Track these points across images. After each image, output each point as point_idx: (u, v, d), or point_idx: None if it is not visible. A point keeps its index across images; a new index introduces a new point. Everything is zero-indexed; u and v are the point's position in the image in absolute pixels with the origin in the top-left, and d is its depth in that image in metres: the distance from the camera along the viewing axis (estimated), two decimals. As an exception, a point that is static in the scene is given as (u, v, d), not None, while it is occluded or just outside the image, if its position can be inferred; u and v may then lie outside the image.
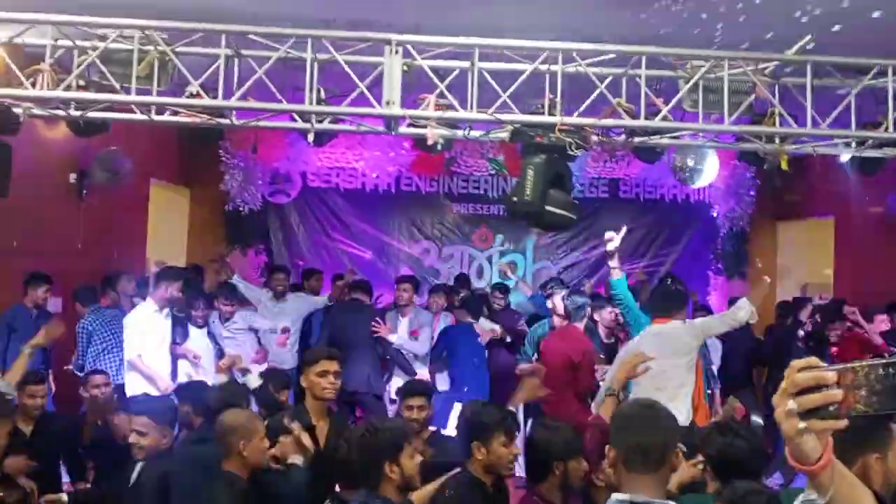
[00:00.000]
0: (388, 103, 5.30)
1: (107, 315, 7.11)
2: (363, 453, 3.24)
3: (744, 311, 5.28)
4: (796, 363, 1.34)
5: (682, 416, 5.30)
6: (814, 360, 1.34)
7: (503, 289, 9.02)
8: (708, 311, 7.95)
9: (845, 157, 6.26)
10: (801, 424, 1.30)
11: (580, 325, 6.47)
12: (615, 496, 2.42)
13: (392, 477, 3.15)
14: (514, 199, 5.46)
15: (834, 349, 7.39)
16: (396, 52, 5.25)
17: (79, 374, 6.74)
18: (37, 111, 5.56)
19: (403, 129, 5.76)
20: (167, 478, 3.89)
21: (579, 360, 6.06)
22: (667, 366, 5.38)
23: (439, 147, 5.80)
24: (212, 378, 6.49)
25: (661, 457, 2.45)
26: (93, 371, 6.15)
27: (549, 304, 7.06)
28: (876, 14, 5.47)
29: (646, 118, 5.46)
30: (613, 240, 5.69)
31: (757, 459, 3.28)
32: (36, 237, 7.53)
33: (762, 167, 6.20)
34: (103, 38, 5.24)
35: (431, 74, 5.37)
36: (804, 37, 5.36)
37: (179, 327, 7.08)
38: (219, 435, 3.74)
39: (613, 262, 5.76)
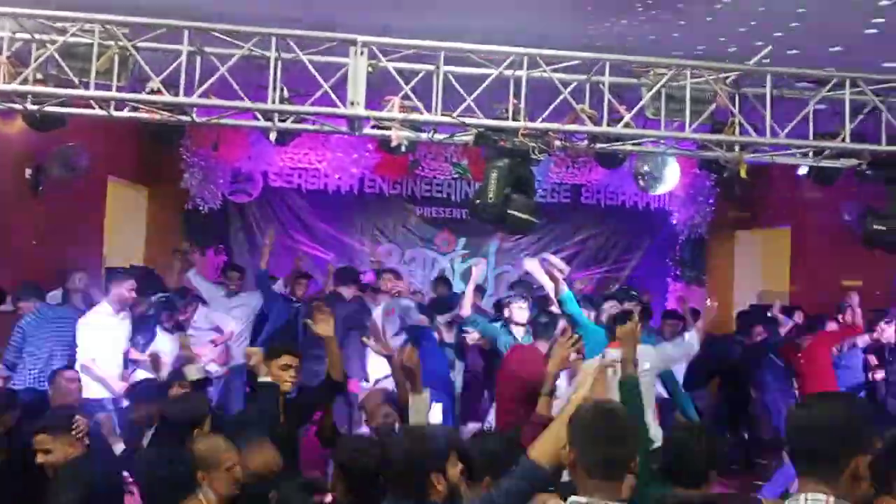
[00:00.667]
0: (352, 104, 5.28)
1: (49, 314, 6.82)
2: (409, 464, 2.95)
3: (696, 344, 5.92)
4: None
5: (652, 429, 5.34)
6: None
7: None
8: (676, 317, 7.99)
9: (803, 168, 6.38)
10: None
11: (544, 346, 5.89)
12: (572, 498, 2.43)
13: (439, 489, 2.91)
14: (478, 201, 5.47)
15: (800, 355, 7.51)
16: (362, 52, 5.23)
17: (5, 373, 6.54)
18: (-8, 104, 5.44)
19: (367, 130, 5.74)
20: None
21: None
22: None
23: (403, 149, 5.79)
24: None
25: (624, 466, 2.50)
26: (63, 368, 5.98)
27: (505, 312, 6.86)
28: (834, 27, 5.58)
29: (608, 124, 5.50)
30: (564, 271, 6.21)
31: (704, 463, 3.31)
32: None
33: (722, 175, 6.29)
34: (62, 31, 5.14)
35: (396, 76, 5.36)
36: (764, 48, 5.44)
37: (145, 329, 6.97)
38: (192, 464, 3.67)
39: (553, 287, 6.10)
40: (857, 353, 7.90)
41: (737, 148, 5.77)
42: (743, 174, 5.76)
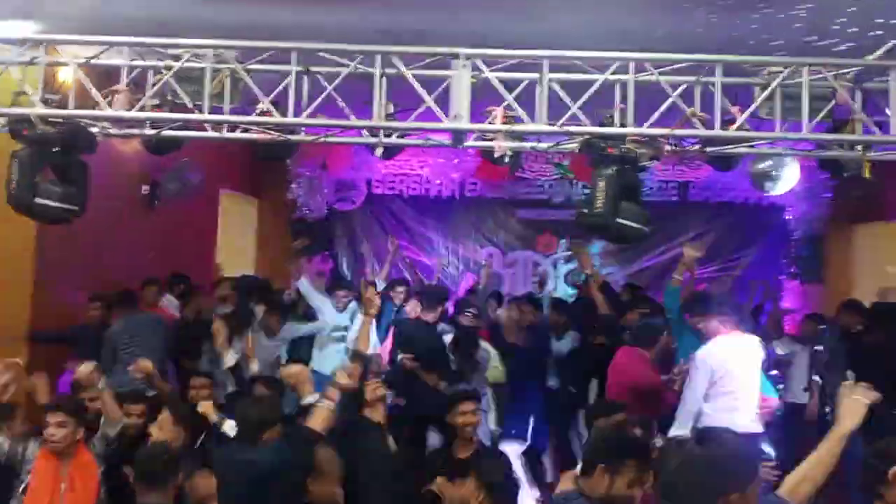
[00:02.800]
0: (455, 117, 5.26)
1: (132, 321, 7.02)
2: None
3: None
4: None
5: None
6: None
7: (534, 302, 8.27)
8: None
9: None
10: None
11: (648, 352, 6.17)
12: None
13: None
14: (585, 211, 5.35)
15: None
16: (465, 65, 5.20)
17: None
18: (112, 130, 5.67)
19: (470, 142, 5.72)
20: None
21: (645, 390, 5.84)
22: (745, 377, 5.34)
23: (506, 159, 5.74)
24: None
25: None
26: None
27: None
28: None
29: (721, 127, 5.30)
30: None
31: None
32: (109, 248, 7.71)
33: (842, 175, 5.97)
34: (177, 57, 5.32)
35: (499, 86, 5.31)
36: (887, 41, 5.15)
37: None
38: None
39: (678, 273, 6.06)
40: None
41: (858, 147, 5.47)
42: (867, 174, 5.46)
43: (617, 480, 2.96)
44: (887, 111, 5.22)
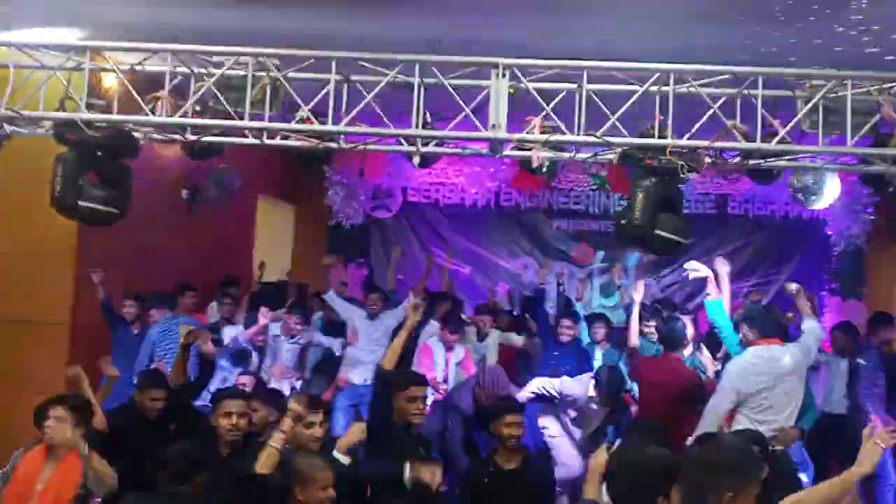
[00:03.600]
0: (493, 126, 5.26)
1: (175, 323, 7.15)
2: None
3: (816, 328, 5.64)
4: None
5: None
6: None
7: (573, 317, 8.10)
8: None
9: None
10: None
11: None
12: None
13: None
14: (623, 221, 5.32)
15: None
16: (504, 75, 5.21)
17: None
18: (155, 136, 5.76)
19: (508, 151, 5.71)
20: None
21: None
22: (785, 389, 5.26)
23: (544, 169, 5.73)
24: None
25: None
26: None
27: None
28: None
29: (762, 140, 5.24)
30: (699, 271, 5.91)
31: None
32: (148, 251, 7.82)
33: (887, 191, 5.87)
34: (219, 65, 5.38)
35: (537, 96, 5.30)
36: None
37: None
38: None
39: (710, 287, 5.84)
40: None
41: (903, 161, 5.38)
42: (912, 190, 5.37)
43: None
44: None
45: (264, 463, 3.94)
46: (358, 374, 7.66)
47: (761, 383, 5.25)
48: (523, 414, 5.11)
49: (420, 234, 11.32)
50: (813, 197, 7.76)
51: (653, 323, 7.08)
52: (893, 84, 5.18)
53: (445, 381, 7.13)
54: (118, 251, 7.34)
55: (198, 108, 5.50)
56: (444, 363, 7.26)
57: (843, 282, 10.80)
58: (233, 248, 9.64)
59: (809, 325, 5.63)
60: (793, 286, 5.93)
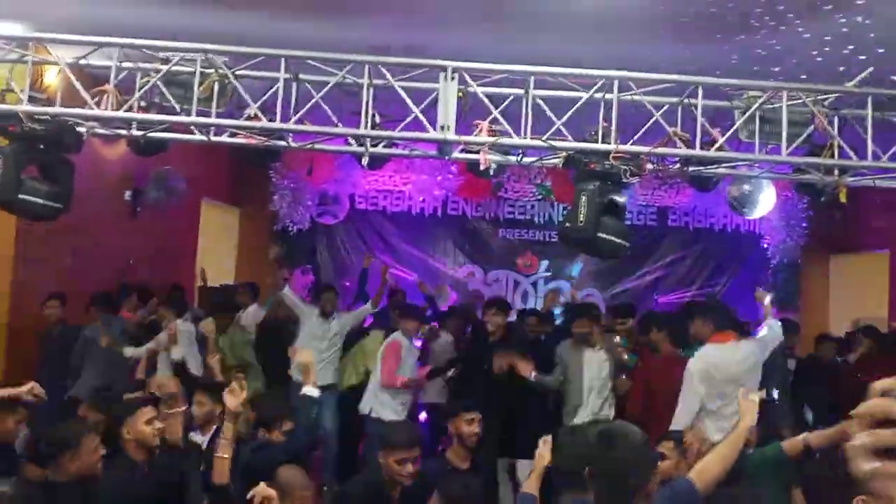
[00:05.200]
0: (442, 128, 5.32)
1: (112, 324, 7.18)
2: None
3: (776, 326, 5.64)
4: (879, 384, 1.13)
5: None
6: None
7: (541, 316, 8.23)
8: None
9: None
10: (868, 466, 1.09)
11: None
12: None
13: None
14: (567, 224, 5.42)
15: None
16: (452, 78, 5.28)
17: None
18: (99, 130, 5.68)
19: (456, 154, 5.78)
20: None
21: None
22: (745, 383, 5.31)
23: (491, 172, 5.81)
24: None
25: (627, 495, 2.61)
26: None
27: None
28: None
29: (701, 147, 5.40)
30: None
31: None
32: (90, 253, 7.69)
33: (818, 199, 6.08)
34: (166, 60, 5.34)
35: (486, 101, 5.38)
36: (864, 69, 5.28)
37: None
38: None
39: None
40: None
41: (836, 172, 5.58)
42: (843, 199, 5.56)
43: None
44: (864, 137, 5.34)
45: (219, 472, 3.83)
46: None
47: (723, 380, 5.18)
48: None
49: (367, 240, 11.32)
50: (749, 206, 8.00)
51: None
52: (827, 96, 5.38)
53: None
54: (57, 252, 7.20)
55: (143, 103, 5.45)
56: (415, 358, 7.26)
57: (779, 294, 11.09)
58: (175, 251, 9.52)
59: (771, 322, 5.66)
60: (762, 295, 5.99)
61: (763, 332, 5.63)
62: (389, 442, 4.08)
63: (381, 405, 6.97)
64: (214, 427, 4.72)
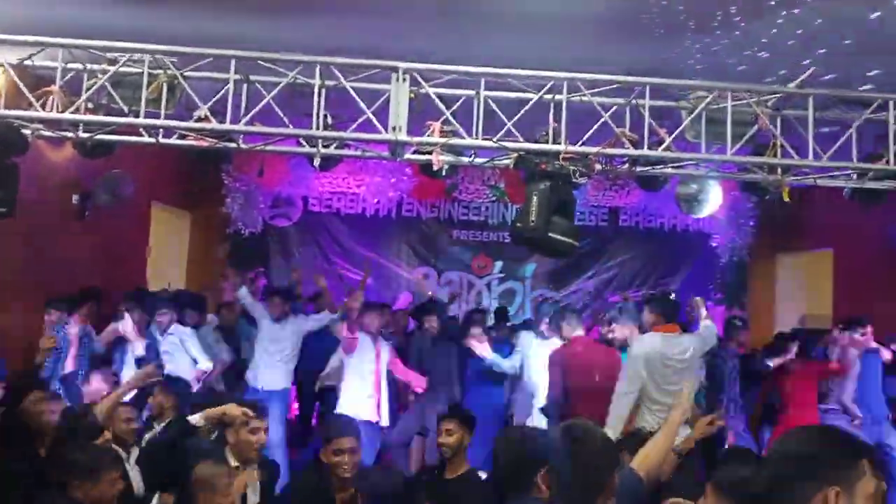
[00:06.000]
0: (394, 129, 5.35)
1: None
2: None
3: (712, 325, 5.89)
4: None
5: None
6: None
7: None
8: None
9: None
10: None
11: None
12: None
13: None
14: (519, 224, 5.48)
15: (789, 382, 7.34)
16: (404, 79, 5.30)
17: None
18: (45, 132, 5.59)
19: (409, 155, 5.80)
20: None
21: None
22: (679, 379, 5.40)
23: (444, 173, 5.84)
24: None
25: (593, 494, 2.55)
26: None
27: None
28: (874, 48, 5.56)
29: (649, 147, 5.50)
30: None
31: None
32: (38, 257, 7.54)
33: (763, 198, 6.24)
34: (113, 61, 5.28)
35: (438, 101, 5.42)
36: (806, 70, 5.42)
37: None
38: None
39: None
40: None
41: (779, 171, 5.73)
42: (786, 197, 5.71)
43: None
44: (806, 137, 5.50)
45: None
46: (260, 378, 7.57)
47: (665, 367, 5.33)
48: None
49: (320, 243, 11.28)
50: (697, 205, 8.16)
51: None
52: (770, 97, 5.52)
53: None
54: (2, 257, 7.05)
55: (90, 105, 5.37)
56: (376, 356, 7.23)
57: (727, 292, 11.33)
58: (125, 255, 9.37)
59: (707, 322, 5.90)
60: (698, 304, 6.21)
61: (702, 330, 5.82)
62: (326, 434, 4.12)
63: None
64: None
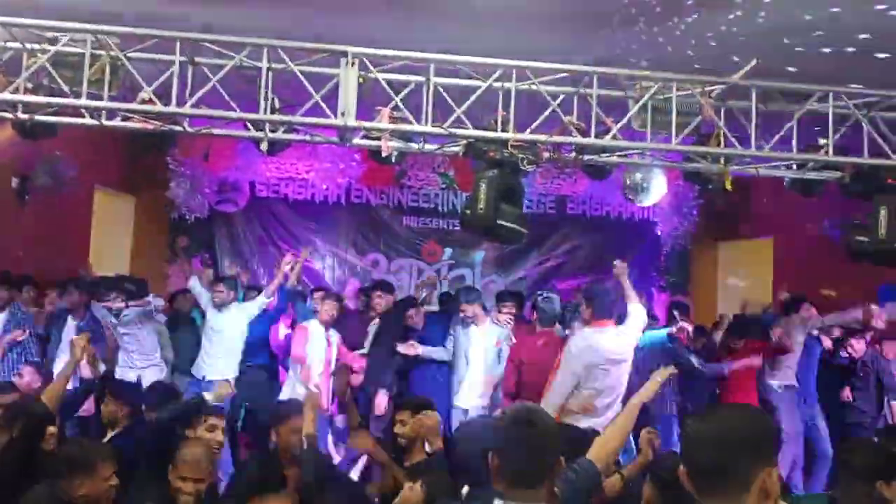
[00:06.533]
0: (342, 114, 5.32)
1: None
2: None
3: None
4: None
5: None
6: None
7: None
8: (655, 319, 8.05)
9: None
10: None
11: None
12: (496, 502, 2.52)
13: None
14: (468, 212, 5.52)
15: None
16: (353, 63, 5.28)
17: None
18: (-18, 113, 5.44)
19: (357, 140, 5.78)
20: None
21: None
22: (617, 373, 5.45)
23: (393, 159, 5.84)
24: None
25: (546, 473, 2.56)
26: None
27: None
28: (819, 44, 5.71)
29: (596, 136, 5.57)
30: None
31: None
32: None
33: (706, 187, 6.37)
34: (54, 41, 5.16)
35: (387, 87, 5.41)
36: (749, 62, 5.53)
37: None
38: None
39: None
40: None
41: (722, 160, 5.85)
42: (728, 186, 5.84)
43: None
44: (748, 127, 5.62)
45: None
46: (204, 368, 7.47)
47: (599, 365, 5.27)
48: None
49: (268, 229, 11.16)
50: (642, 194, 8.29)
51: (510, 304, 7.43)
52: (713, 87, 5.63)
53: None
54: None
55: (30, 85, 5.24)
56: (327, 343, 7.18)
57: (671, 279, 11.54)
58: (67, 241, 9.16)
59: (635, 307, 5.69)
60: (617, 265, 5.98)
61: (631, 319, 5.68)
62: (286, 412, 4.16)
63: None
64: None
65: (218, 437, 4.32)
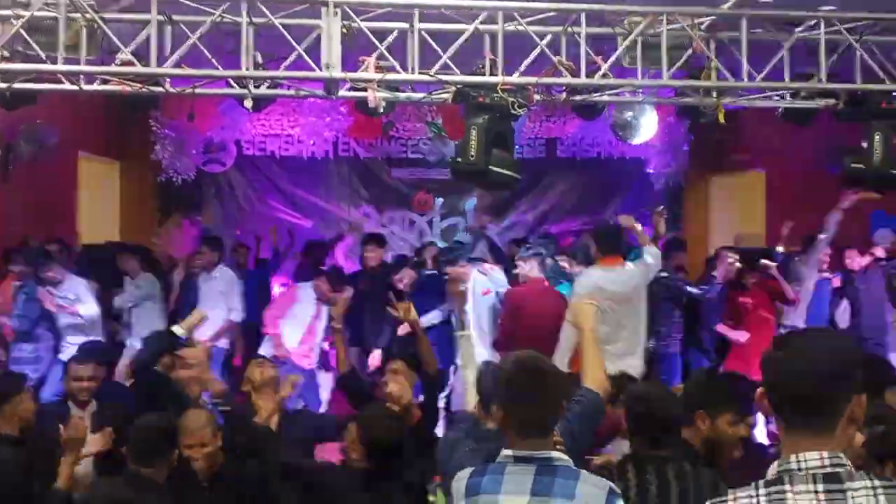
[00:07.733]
0: (327, 66, 5.21)
1: None
2: None
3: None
4: None
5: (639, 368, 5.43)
6: None
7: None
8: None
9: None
10: None
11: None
12: (503, 452, 2.52)
13: None
14: (458, 159, 5.45)
15: (748, 299, 7.49)
16: (335, 13, 5.15)
17: None
18: (-42, 83, 5.31)
19: (344, 92, 5.68)
20: None
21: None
22: (624, 312, 5.47)
23: (381, 110, 5.74)
24: None
25: (549, 426, 2.55)
26: None
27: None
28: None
29: (586, 75, 5.48)
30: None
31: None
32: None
33: (698, 122, 6.30)
34: (27, 5, 5.02)
35: (371, 36, 5.29)
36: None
37: None
38: None
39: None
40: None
41: (714, 93, 5.77)
42: (721, 119, 5.77)
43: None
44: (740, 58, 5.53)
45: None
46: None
47: (606, 301, 5.22)
48: None
49: (257, 187, 11.06)
50: (632, 132, 8.21)
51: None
52: (703, 19, 5.53)
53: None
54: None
55: (6, 52, 5.11)
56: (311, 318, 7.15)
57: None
58: (53, 209, 9.06)
59: (650, 249, 5.82)
60: (623, 218, 6.13)
61: (647, 258, 5.81)
62: None
63: None
64: None
65: (193, 373, 4.32)
